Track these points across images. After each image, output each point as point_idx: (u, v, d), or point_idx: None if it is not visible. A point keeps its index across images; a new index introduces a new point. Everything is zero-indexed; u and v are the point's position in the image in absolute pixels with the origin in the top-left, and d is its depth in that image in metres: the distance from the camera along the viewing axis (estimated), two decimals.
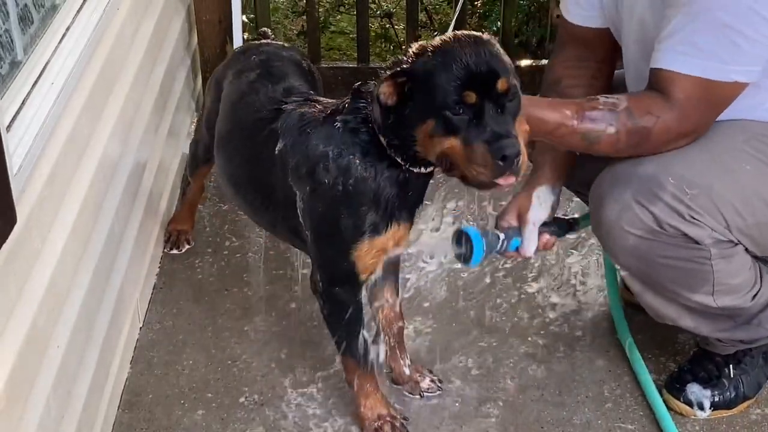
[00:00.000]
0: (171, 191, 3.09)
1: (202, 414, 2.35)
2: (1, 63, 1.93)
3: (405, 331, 2.43)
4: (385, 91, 1.93)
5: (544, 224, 2.17)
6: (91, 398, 2.14)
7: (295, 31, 5.05)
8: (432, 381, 2.41)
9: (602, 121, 1.98)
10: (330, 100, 2.19)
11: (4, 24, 1.96)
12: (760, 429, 2.32)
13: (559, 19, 2.37)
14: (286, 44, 2.69)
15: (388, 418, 2.26)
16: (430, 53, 1.91)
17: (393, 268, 2.34)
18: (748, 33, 1.89)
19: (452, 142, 1.86)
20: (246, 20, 3.80)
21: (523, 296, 2.75)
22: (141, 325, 2.63)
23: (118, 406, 2.37)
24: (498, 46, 1.92)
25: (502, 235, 2.13)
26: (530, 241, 2.14)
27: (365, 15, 3.85)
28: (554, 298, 2.74)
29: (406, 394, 2.40)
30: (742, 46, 1.90)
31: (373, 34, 4.79)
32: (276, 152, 2.15)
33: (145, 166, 2.78)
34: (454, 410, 2.36)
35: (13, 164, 1.76)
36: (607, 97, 2.02)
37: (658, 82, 1.98)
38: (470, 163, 1.85)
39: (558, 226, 2.20)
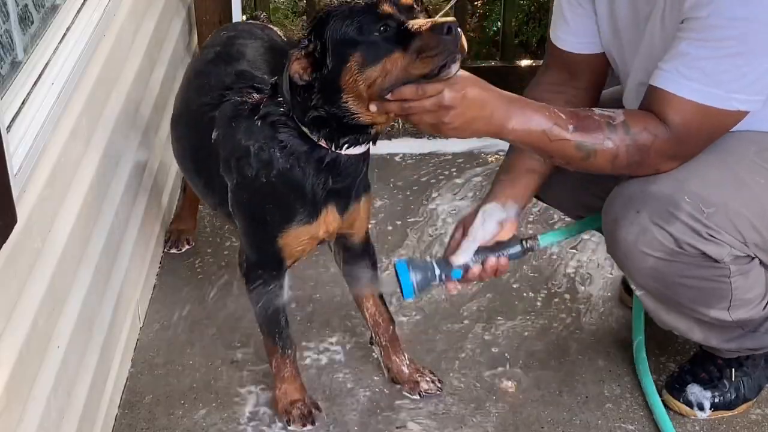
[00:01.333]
0: (171, 191, 3.09)
1: (202, 414, 2.35)
2: (1, 63, 1.94)
3: (402, 331, 2.43)
4: (297, 69, 1.94)
5: (494, 247, 2.06)
6: (91, 398, 2.14)
7: (295, 31, 5.04)
8: (431, 381, 2.41)
9: (599, 133, 1.92)
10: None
11: (4, 24, 1.96)
12: (761, 429, 2.32)
13: (547, 43, 2.34)
14: (269, 24, 2.69)
15: (299, 404, 2.30)
16: (324, 10, 1.94)
17: (368, 265, 2.35)
18: (758, 64, 1.86)
19: (392, 58, 1.83)
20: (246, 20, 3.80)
21: (523, 298, 2.75)
22: (141, 325, 2.63)
23: (118, 406, 2.37)
24: None
25: (437, 269, 2.04)
26: (463, 252, 2.04)
27: None
28: (555, 299, 2.74)
29: (406, 394, 2.40)
30: (750, 77, 1.87)
31: None
32: (212, 141, 2.19)
33: (145, 166, 2.78)
34: (454, 410, 2.36)
35: (13, 164, 1.76)
36: (603, 110, 1.97)
37: (655, 101, 1.94)
38: (416, 57, 1.81)
39: (510, 246, 2.08)
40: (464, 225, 2.09)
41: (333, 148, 2.02)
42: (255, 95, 2.16)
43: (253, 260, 2.23)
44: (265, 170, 2.07)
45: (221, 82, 2.28)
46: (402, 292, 2.04)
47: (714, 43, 1.85)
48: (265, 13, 2.96)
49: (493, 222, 2.07)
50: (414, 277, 2.03)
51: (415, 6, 1.90)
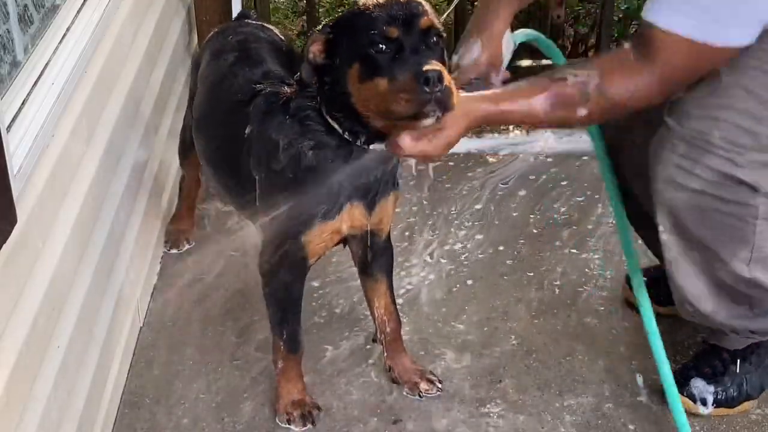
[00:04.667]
0: (171, 191, 3.09)
1: (202, 414, 2.35)
2: (1, 63, 1.93)
3: (402, 331, 2.43)
4: (313, 50, 1.97)
5: None
6: (91, 398, 2.14)
7: (295, 31, 5.05)
8: (431, 381, 2.41)
9: (571, 106, 1.92)
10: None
11: (4, 24, 1.96)
12: (761, 429, 2.32)
13: None
14: (265, 24, 2.69)
15: (300, 404, 2.31)
16: (353, 6, 1.97)
17: (385, 265, 2.35)
18: None
19: (378, 81, 1.87)
20: None
21: (523, 298, 2.75)
22: (141, 325, 2.63)
23: (118, 406, 2.37)
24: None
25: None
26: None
27: None
28: (555, 300, 2.74)
29: (405, 394, 2.40)
30: (744, 7, 1.82)
31: None
32: (245, 137, 2.20)
33: (145, 166, 2.78)
34: (454, 410, 2.36)
35: (13, 164, 1.76)
36: (576, 75, 1.94)
37: (645, 36, 1.89)
38: (395, 94, 1.84)
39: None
40: (491, 59, 2.15)
41: (357, 143, 2.02)
42: (286, 89, 2.17)
43: (275, 259, 2.22)
44: (293, 165, 2.08)
45: (249, 82, 2.29)
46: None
47: None
48: (254, 11, 2.95)
49: (511, 50, 2.19)
50: None
51: (433, 28, 1.90)
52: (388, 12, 1.90)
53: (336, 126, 2.02)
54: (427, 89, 1.79)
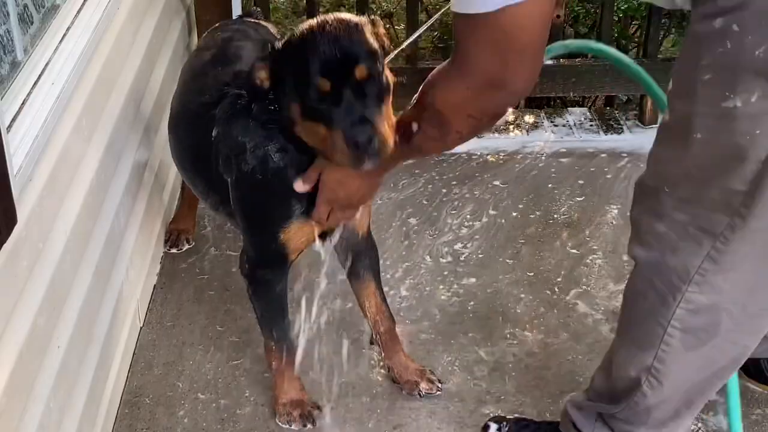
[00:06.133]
0: (171, 191, 3.09)
1: (202, 414, 2.35)
2: (1, 63, 1.94)
3: (404, 331, 2.43)
4: (259, 75, 1.97)
5: None
6: (91, 398, 2.14)
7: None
8: (431, 381, 2.41)
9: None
10: None
11: (4, 24, 1.96)
12: (761, 429, 2.32)
13: None
14: (260, 22, 2.68)
15: (299, 404, 2.31)
16: (294, 38, 1.92)
17: (371, 266, 2.35)
18: None
19: (318, 127, 1.89)
20: None
21: (522, 299, 2.75)
22: (141, 325, 2.63)
23: (118, 406, 2.37)
24: (367, 30, 1.90)
25: None
26: None
27: (366, 15, 3.83)
28: (554, 300, 2.74)
29: (405, 394, 2.40)
30: None
31: None
32: (212, 138, 2.20)
33: (145, 166, 2.79)
34: (454, 410, 2.36)
35: (13, 164, 1.76)
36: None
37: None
38: (332, 149, 1.87)
39: None
40: None
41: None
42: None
43: (256, 258, 2.22)
44: (260, 167, 2.08)
45: (219, 82, 2.28)
46: None
47: None
48: (259, 9, 2.95)
49: None
50: None
51: (369, 76, 1.84)
52: (323, 57, 1.83)
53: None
54: (358, 151, 1.81)
